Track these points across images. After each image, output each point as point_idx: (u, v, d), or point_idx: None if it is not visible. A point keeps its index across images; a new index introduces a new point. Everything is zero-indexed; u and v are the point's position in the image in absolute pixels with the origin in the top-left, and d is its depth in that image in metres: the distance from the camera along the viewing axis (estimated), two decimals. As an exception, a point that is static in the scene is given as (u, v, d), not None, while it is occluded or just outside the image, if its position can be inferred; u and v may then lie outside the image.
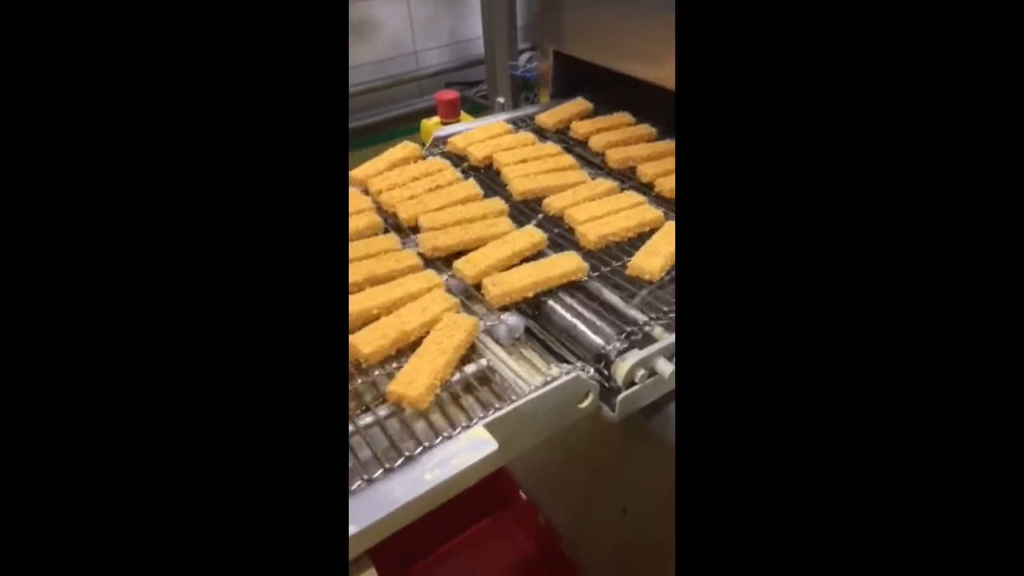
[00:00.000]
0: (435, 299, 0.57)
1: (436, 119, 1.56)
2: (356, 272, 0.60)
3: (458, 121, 1.46)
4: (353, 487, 0.42)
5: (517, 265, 0.60)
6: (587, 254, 0.62)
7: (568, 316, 0.57)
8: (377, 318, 0.56)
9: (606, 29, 0.87)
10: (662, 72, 0.78)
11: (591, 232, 0.62)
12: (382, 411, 0.50)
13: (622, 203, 0.67)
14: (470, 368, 0.53)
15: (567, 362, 0.53)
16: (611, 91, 0.93)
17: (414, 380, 0.49)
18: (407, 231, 0.68)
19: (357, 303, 0.56)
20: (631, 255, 0.61)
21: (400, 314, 0.56)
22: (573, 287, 0.59)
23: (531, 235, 0.63)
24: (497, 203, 0.69)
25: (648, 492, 0.77)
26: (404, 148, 0.78)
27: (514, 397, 0.49)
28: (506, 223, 0.66)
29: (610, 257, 0.62)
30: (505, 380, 0.52)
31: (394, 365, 0.53)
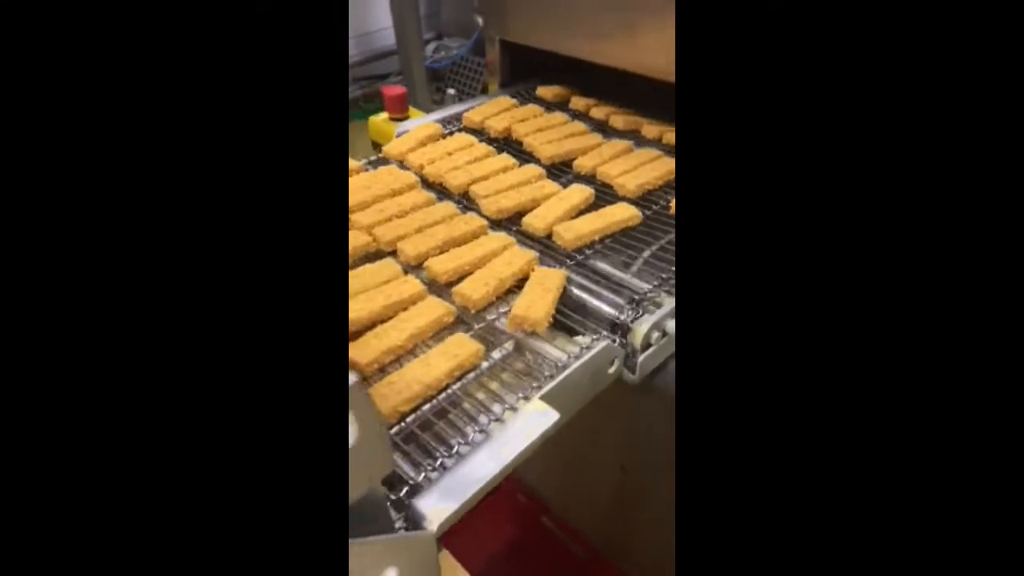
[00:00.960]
0: (515, 254, 0.65)
1: (384, 115, 1.57)
2: (435, 237, 0.66)
3: (407, 117, 1.42)
4: (438, 463, 0.45)
5: (575, 217, 0.69)
6: (629, 203, 0.72)
7: (578, 292, 0.61)
8: (470, 273, 0.63)
9: (554, 15, 0.89)
10: (618, 55, 0.83)
11: (629, 183, 0.73)
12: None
13: (643, 158, 0.78)
14: (497, 353, 0.56)
15: (580, 334, 0.57)
16: (562, 78, 0.98)
17: (532, 304, 0.57)
18: (458, 199, 0.74)
19: (451, 261, 0.63)
20: (666, 199, 0.72)
21: (492, 266, 0.63)
22: (577, 265, 0.65)
23: (582, 191, 0.72)
24: (534, 168, 0.77)
25: (647, 448, 0.83)
26: (427, 127, 0.84)
27: (546, 371, 0.52)
28: (552, 184, 0.74)
29: (650, 202, 0.73)
30: (538, 356, 0.55)
31: (501, 310, 0.61)
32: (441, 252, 0.65)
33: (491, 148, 0.81)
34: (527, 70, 1.03)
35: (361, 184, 0.74)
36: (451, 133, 0.85)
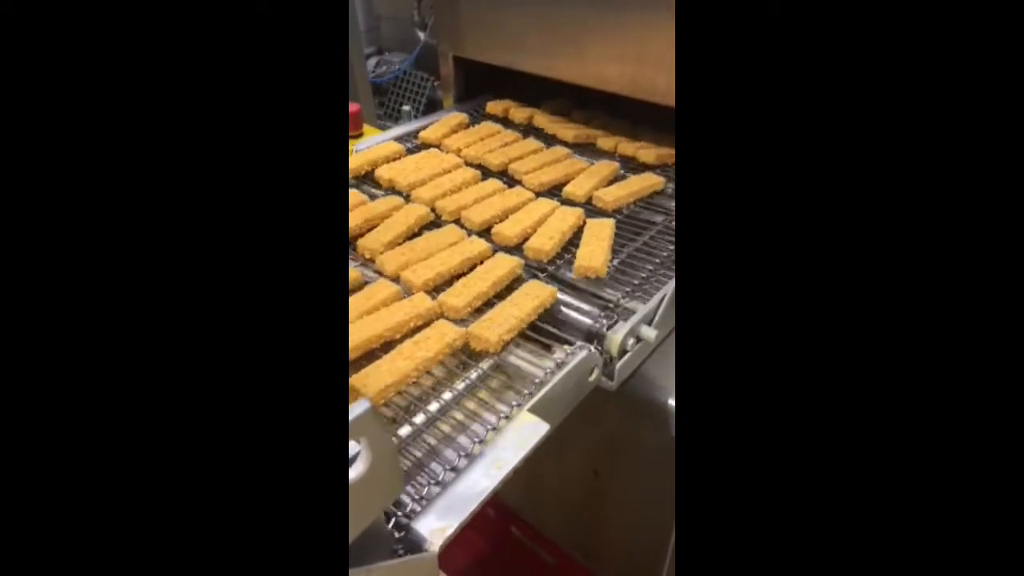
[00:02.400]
0: (566, 213, 0.75)
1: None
2: (493, 207, 0.76)
3: (361, 135, 1.35)
4: (429, 487, 0.45)
5: (607, 186, 0.80)
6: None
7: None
8: (529, 235, 0.72)
9: (507, 32, 0.90)
10: (569, 70, 0.87)
11: (650, 154, 0.85)
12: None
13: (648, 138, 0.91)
14: (474, 373, 0.56)
15: (554, 345, 0.58)
16: (516, 92, 1.02)
17: (592, 254, 0.67)
18: (498, 176, 0.84)
19: (516, 225, 0.73)
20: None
21: (549, 223, 0.73)
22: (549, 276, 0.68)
23: (609, 165, 0.84)
24: (561, 149, 0.88)
25: (621, 452, 0.84)
26: (455, 117, 0.93)
27: (526, 388, 0.52)
28: (581, 160, 0.85)
29: (667, 171, 0.85)
30: (519, 368, 0.56)
31: (562, 261, 0.70)
32: (501, 220, 0.74)
33: (517, 134, 0.91)
34: (482, 85, 1.05)
35: (412, 165, 0.82)
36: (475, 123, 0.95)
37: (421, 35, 2.52)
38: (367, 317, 0.58)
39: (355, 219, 0.72)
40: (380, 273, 0.67)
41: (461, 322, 0.61)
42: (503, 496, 1.17)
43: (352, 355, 0.55)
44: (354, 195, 0.76)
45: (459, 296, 0.62)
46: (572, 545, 1.10)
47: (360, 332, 0.56)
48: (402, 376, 0.52)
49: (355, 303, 0.60)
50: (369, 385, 0.51)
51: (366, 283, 0.64)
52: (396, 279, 0.65)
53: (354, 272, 0.65)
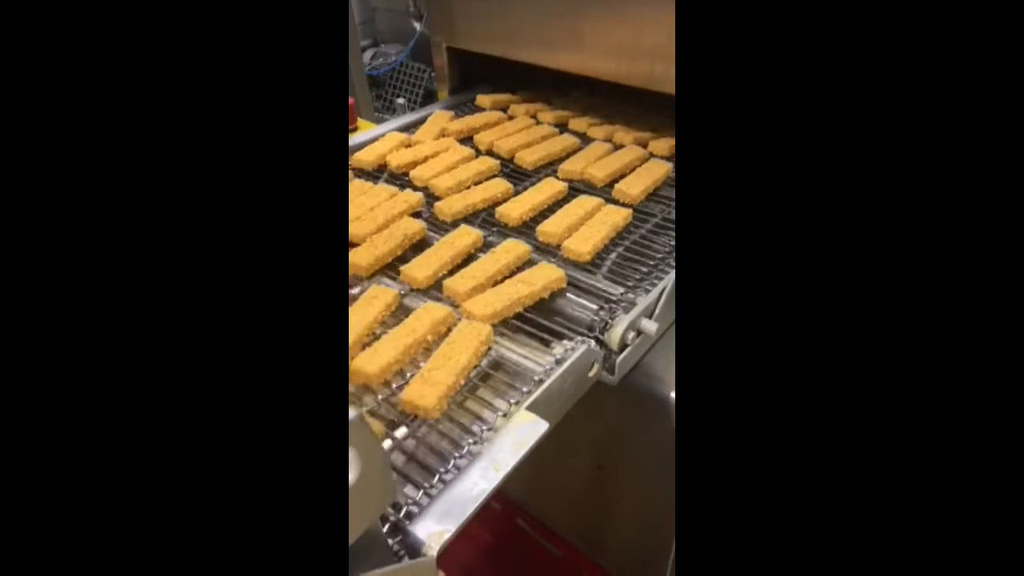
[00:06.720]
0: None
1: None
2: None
3: (356, 128, 1.34)
4: (429, 488, 0.44)
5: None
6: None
7: (550, 298, 0.61)
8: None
9: (501, 21, 0.89)
10: (565, 60, 0.86)
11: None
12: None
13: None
14: (483, 362, 0.55)
15: (554, 340, 0.56)
16: (510, 82, 1.01)
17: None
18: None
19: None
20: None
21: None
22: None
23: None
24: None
25: (625, 445, 0.83)
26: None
27: (527, 383, 0.51)
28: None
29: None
30: (517, 365, 0.54)
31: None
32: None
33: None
34: (478, 76, 1.04)
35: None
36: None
37: (417, 26, 2.50)
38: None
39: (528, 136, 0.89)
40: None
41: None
42: (508, 489, 1.16)
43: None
44: (524, 119, 0.95)
45: (634, 187, 0.78)
46: (578, 537, 1.09)
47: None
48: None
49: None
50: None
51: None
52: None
53: (559, 184, 0.80)
